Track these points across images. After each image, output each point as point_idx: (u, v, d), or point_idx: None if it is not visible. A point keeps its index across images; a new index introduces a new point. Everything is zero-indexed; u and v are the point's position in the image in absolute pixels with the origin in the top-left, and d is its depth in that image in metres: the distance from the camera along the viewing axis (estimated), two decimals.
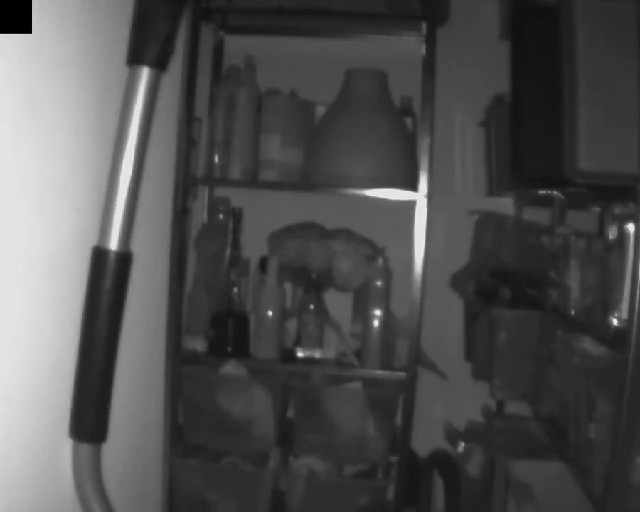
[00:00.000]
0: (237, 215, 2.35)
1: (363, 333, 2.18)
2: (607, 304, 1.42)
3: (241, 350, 2.22)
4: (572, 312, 1.67)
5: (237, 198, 2.42)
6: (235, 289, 2.28)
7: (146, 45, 0.80)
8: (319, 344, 2.22)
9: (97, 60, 0.82)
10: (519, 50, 1.81)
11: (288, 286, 2.33)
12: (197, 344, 2.23)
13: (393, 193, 2.15)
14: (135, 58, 0.81)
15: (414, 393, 2.13)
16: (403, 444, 2.16)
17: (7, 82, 0.65)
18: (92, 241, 0.80)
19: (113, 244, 0.80)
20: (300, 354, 2.21)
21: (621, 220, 1.38)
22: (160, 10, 0.79)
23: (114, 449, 0.87)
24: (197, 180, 2.30)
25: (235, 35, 2.53)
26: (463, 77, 2.40)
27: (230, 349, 2.21)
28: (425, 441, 2.36)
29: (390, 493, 2.20)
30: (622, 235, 1.36)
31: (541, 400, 1.92)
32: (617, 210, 1.43)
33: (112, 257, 0.80)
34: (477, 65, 2.40)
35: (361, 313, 2.24)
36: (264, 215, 2.45)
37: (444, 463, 2.35)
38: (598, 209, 2.04)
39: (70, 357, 0.80)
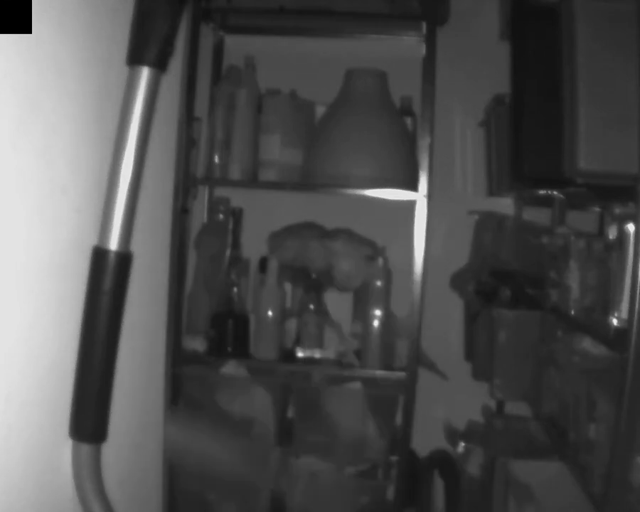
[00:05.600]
0: (237, 215, 2.35)
1: (363, 333, 2.18)
2: (607, 303, 1.42)
3: (241, 350, 2.22)
4: (572, 312, 1.66)
5: (237, 198, 2.42)
6: (235, 289, 2.28)
7: (146, 45, 0.80)
8: (319, 344, 2.22)
9: (97, 60, 0.82)
10: (519, 50, 1.81)
11: (288, 286, 2.33)
12: (197, 344, 2.23)
13: (393, 193, 2.15)
14: (135, 58, 0.80)
15: (414, 393, 2.13)
16: (403, 444, 2.16)
17: (7, 82, 0.65)
18: (92, 241, 0.80)
19: (113, 244, 0.80)
20: (300, 354, 2.21)
21: (621, 220, 1.38)
22: (160, 10, 0.79)
23: (114, 449, 0.87)
24: (197, 180, 2.30)
25: (235, 35, 2.53)
26: (463, 77, 2.40)
27: (230, 349, 2.21)
28: (425, 441, 2.36)
29: (390, 493, 2.20)
30: (622, 235, 1.36)
31: (541, 400, 1.92)
32: (617, 210, 1.43)
33: (112, 257, 0.80)
34: (477, 65, 2.40)
35: (361, 313, 2.24)
36: (264, 215, 2.45)
37: (444, 463, 2.35)
38: (598, 209, 2.04)
39: (70, 357, 0.80)
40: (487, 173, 2.41)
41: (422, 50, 2.17)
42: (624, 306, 1.35)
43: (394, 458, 2.20)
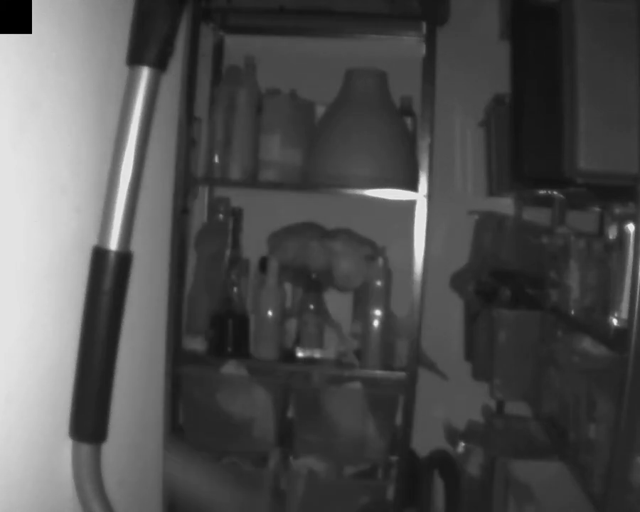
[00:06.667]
0: (237, 215, 2.35)
1: (363, 333, 2.18)
2: (607, 303, 1.42)
3: (241, 350, 2.22)
4: (572, 312, 1.67)
5: (237, 198, 2.42)
6: (235, 289, 2.28)
7: (146, 45, 0.80)
8: (319, 344, 2.22)
9: (97, 60, 0.82)
10: (519, 50, 1.81)
11: (288, 286, 2.33)
12: (197, 344, 2.23)
13: (393, 193, 2.15)
14: (135, 58, 0.80)
15: (414, 393, 2.13)
16: (403, 444, 2.16)
17: (7, 82, 0.65)
18: (92, 241, 0.80)
19: (113, 244, 0.79)
20: (300, 354, 2.21)
21: (621, 220, 1.38)
22: (160, 10, 0.79)
23: (114, 449, 0.87)
24: (197, 180, 2.30)
25: (235, 35, 2.53)
26: (463, 77, 2.40)
27: (230, 349, 2.21)
28: (425, 441, 2.36)
29: (390, 493, 2.20)
30: (622, 235, 1.36)
31: (541, 400, 1.92)
32: (617, 210, 1.43)
33: (112, 257, 0.80)
34: (477, 65, 2.40)
35: (361, 313, 2.24)
36: (264, 215, 2.45)
37: (444, 463, 2.35)
38: (598, 209, 2.04)
39: (70, 357, 0.80)
40: (487, 173, 2.41)
41: (422, 50, 2.17)
42: (624, 306, 1.35)
43: (394, 458, 2.20)
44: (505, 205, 2.41)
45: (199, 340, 2.23)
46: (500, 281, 2.17)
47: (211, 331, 2.23)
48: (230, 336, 2.22)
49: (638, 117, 1.40)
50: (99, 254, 0.79)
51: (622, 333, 1.34)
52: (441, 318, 2.45)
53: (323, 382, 2.24)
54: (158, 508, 1.09)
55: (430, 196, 2.10)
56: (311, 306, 2.22)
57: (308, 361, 2.21)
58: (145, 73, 0.79)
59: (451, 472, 2.32)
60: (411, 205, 2.12)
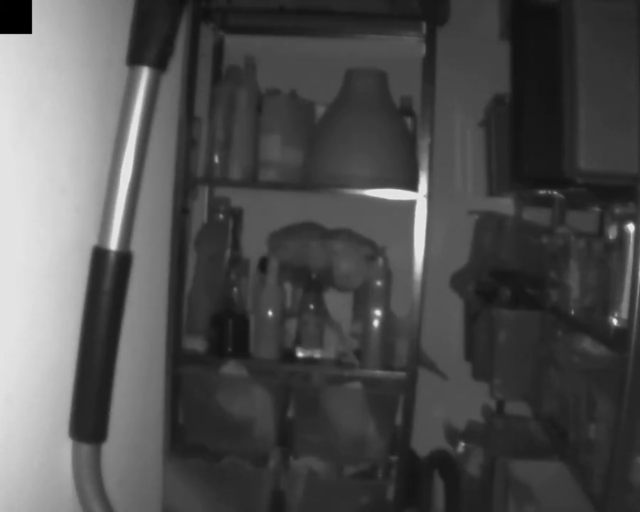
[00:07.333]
0: (237, 215, 2.35)
1: (363, 333, 2.18)
2: (607, 303, 1.42)
3: (241, 350, 2.22)
4: (572, 312, 1.67)
5: (237, 198, 2.42)
6: (235, 289, 2.28)
7: (146, 45, 0.80)
8: (319, 344, 2.22)
9: (97, 60, 0.82)
10: (519, 50, 1.81)
11: (288, 286, 2.33)
12: (197, 344, 2.23)
13: (393, 193, 2.15)
14: (135, 58, 0.81)
15: (414, 393, 2.13)
16: (403, 444, 2.16)
17: (7, 82, 0.65)
18: (92, 241, 0.80)
19: (113, 244, 0.80)
20: (300, 354, 2.21)
21: (621, 220, 1.38)
22: (160, 10, 0.79)
23: (114, 449, 0.87)
24: (197, 180, 2.30)
25: (235, 35, 2.53)
26: (463, 77, 2.40)
27: (230, 349, 2.21)
28: (425, 441, 2.36)
29: (390, 493, 2.20)
30: (622, 235, 1.36)
31: (541, 400, 1.92)
32: (617, 210, 1.43)
33: (112, 257, 0.80)
34: (477, 65, 2.40)
35: (361, 313, 2.24)
36: (264, 215, 2.45)
37: (444, 463, 2.35)
38: (598, 209, 2.04)
39: (70, 357, 0.80)
40: (487, 173, 2.41)
41: (422, 50, 2.17)
42: (624, 306, 1.35)
43: (394, 458, 2.20)
44: (505, 205, 2.41)
45: (199, 340, 2.23)
46: (500, 281, 2.17)
47: (211, 331, 2.23)
48: (230, 336, 2.22)
49: (638, 117, 1.40)
50: (99, 254, 0.79)
51: (622, 333, 1.34)
52: (441, 318, 2.45)
53: (323, 382, 2.24)
54: (158, 508, 1.09)
55: (430, 196, 2.10)
56: (311, 306, 2.22)
57: (308, 361, 2.21)
58: (145, 73, 0.79)
59: (451, 472, 2.32)
60: (411, 205, 2.12)
